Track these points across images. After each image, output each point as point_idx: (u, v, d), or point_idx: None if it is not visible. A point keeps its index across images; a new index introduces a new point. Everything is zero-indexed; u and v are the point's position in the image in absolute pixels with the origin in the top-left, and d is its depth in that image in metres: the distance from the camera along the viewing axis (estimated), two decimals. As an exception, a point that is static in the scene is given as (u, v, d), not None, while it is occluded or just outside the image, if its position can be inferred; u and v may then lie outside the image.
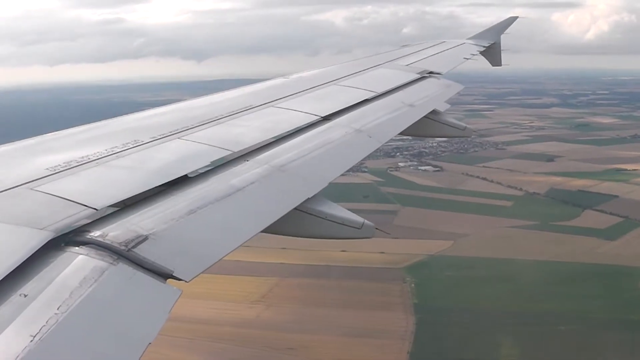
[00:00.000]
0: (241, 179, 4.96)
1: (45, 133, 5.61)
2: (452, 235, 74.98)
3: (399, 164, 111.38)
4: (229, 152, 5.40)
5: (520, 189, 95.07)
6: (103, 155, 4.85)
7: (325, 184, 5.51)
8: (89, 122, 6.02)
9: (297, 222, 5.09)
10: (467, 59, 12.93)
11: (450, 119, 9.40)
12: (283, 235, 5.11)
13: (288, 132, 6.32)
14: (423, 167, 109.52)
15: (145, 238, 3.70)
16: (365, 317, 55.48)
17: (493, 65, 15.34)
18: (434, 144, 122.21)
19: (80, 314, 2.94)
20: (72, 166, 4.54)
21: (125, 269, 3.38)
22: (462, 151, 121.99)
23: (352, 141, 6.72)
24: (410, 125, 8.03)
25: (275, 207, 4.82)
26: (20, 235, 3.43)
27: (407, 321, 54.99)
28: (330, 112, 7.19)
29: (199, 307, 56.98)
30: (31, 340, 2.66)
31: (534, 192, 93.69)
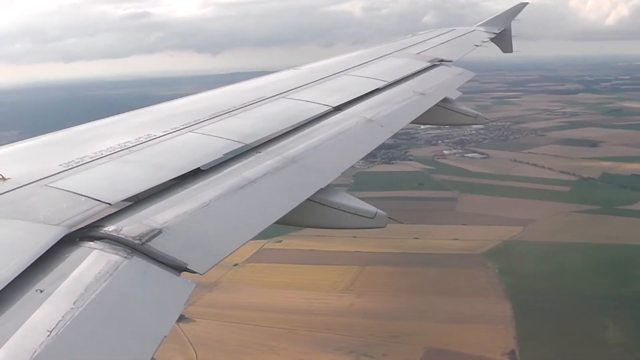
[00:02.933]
0: (254, 171, 4.96)
1: (62, 129, 5.65)
2: (519, 221, 74.38)
3: (444, 151, 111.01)
4: (242, 145, 5.40)
5: (574, 174, 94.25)
6: (116, 151, 4.87)
7: (337, 174, 5.50)
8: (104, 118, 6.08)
9: (311, 213, 5.07)
10: (478, 45, 12.74)
11: (462, 106, 9.31)
12: (297, 226, 5.11)
13: (300, 123, 6.31)
14: (469, 155, 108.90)
15: (159, 232, 3.71)
16: (460, 303, 55.00)
17: (504, 52, 15.07)
18: (473, 132, 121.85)
19: (96, 308, 2.97)
20: (85, 162, 4.57)
21: (139, 263, 3.39)
22: (502, 138, 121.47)
23: (364, 131, 6.69)
24: (422, 114, 7.98)
25: (288, 199, 4.81)
26: (36, 231, 3.46)
27: (503, 306, 54.54)
28: (342, 103, 7.18)
29: (288, 298, 57.30)
30: (48, 335, 2.68)
31: (588, 177, 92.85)
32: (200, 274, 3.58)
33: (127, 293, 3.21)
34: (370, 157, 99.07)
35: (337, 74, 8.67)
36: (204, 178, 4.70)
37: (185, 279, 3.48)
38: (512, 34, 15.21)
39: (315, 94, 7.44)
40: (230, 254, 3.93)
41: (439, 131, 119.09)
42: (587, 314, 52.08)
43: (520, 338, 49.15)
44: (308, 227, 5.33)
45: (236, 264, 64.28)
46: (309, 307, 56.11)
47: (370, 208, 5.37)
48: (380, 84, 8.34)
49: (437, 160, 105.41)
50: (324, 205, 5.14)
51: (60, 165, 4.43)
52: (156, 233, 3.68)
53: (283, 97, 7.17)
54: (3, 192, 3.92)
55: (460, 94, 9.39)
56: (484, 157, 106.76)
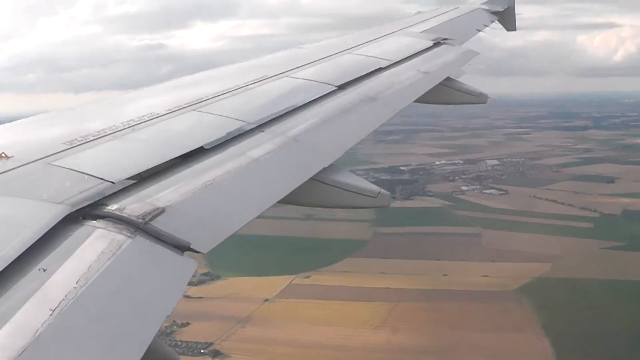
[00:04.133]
0: (257, 150, 4.95)
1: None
2: (546, 257, 75.21)
3: (462, 187, 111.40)
4: (245, 123, 5.37)
5: (595, 211, 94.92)
6: (119, 129, 4.84)
7: (341, 153, 5.50)
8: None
9: (314, 192, 5.08)
10: (480, 29, 12.54)
11: (465, 85, 9.23)
12: (300, 205, 5.13)
13: (303, 102, 6.27)
14: (488, 191, 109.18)
15: (163, 211, 3.70)
16: (500, 339, 55.84)
17: (508, 30, 14.82)
18: (489, 168, 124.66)
19: (99, 287, 2.96)
20: (88, 140, 4.53)
21: (142, 242, 3.39)
22: (519, 174, 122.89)
23: (367, 110, 6.67)
24: (426, 93, 7.97)
25: (291, 178, 4.82)
26: (38, 210, 3.46)
27: (543, 343, 55.42)
28: (345, 82, 7.12)
29: (324, 334, 58.11)
30: (50, 314, 2.68)
31: (610, 214, 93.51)
32: (203, 253, 3.58)
33: (130, 272, 3.22)
34: (390, 192, 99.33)
35: (341, 53, 8.59)
36: (207, 157, 4.68)
37: (188, 259, 3.48)
38: (516, 12, 15.02)
39: (318, 73, 7.39)
40: (233, 233, 3.92)
41: (454, 167, 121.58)
42: (629, 352, 52.16)
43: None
44: (311, 206, 5.34)
45: (267, 299, 64.76)
46: (345, 343, 56.71)
47: (374, 187, 5.40)
48: (383, 63, 8.28)
49: (456, 196, 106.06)
50: (328, 184, 5.14)
51: (64, 143, 4.41)
52: (159, 212, 3.67)
53: (286, 76, 7.11)
54: (6, 170, 3.91)
55: (464, 73, 9.38)
56: (503, 193, 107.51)
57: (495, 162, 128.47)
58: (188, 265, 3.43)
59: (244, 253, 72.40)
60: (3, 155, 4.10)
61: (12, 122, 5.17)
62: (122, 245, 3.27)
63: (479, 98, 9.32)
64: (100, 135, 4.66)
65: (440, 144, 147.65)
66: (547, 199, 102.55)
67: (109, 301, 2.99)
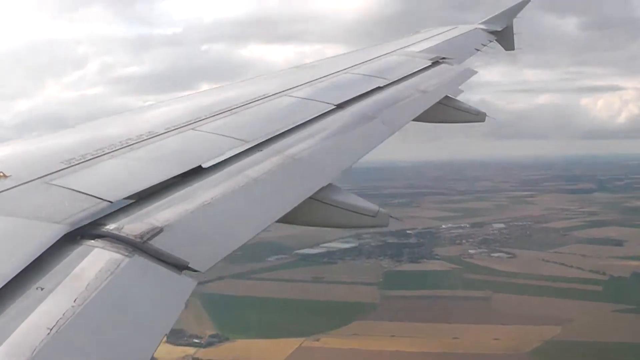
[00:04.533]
0: (255, 169, 4.94)
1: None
2: (556, 320, 74.62)
3: (469, 251, 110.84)
4: (243, 142, 5.36)
5: (604, 274, 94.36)
6: (117, 148, 4.82)
7: (339, 172, 5.49)
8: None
9: (312, 212, 5.05)
10: (479, 49, 12.56)
11: (464, 104, 9.23)
12: (298, 224, 5.10)
13: (302, 121, 6.26)
14: (496, 254, 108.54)
15: (161, 230, 3.69)
16: None
17: (506, 50, 14.80)
18: (496, 231, 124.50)
19: (97, 307, 2.95)
20: (87, 159, 4.52)
21: (140, 261, 3.38)
22: (526, 237, 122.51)
23: (366, 129, 6.68)
24: (424, 112, 7.96)
25: (289, 197, 4.81)
26: (36, 229, 3.45)
27: None
28: (344, 101, 7.12)
29: None
30: (48, 334, 2.66)
31: (619, 276, 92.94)
32: (201, 272, 3.56)
33: (128, 291, 3.20)
34: (397, 255, 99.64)
35: (339, 72, 8.59)
36: (205, 176, 4.68)
37: (186, 278, 3.47)
38: (514, 31, 15.04)
39: (317, 92, 7.39)
40: (231, 253, 3.90)
41: (461, 230, 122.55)
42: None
43: None
44: (309, 225, 5.29)
45: (276, 364, 63.91)
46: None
47: (372, 206, 5.37)
48: (382, 83, 8.28)
49: (464, 259, 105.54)
50: (326, 203, 5.12)
51: (62, 162, 4.39)
52: (157, 231, 3.66)
53: (285, 95, 7.10)
54: (3, 189, 3.89)
55: (462, 91, 9.39)
56: (511, 257, 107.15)
57: (502, 225, 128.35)
58: (186, 284, 3.42)
59: (253, 315, 71.92)
60: (1, 174, 4.09)
61: (9, 142, 5.18)
62: (120, 264, 3.26)
63: (477, 116, 9.33)
64: (99, 155, 4.65)
65: (446, 207, 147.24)
66: (555, 262, 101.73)
67: (107, 320, 2.97)
